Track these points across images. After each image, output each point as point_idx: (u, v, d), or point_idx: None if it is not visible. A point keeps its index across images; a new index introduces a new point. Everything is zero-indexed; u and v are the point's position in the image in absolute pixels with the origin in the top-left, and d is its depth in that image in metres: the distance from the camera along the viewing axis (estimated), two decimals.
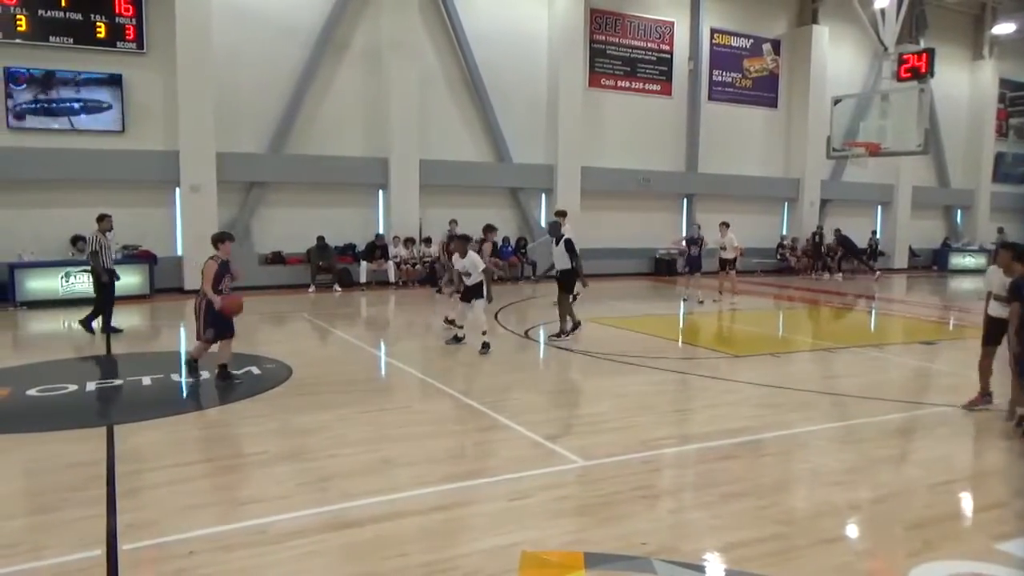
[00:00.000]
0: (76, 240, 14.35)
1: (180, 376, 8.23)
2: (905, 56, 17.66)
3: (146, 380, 7.97)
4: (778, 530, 4.30)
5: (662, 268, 21.51)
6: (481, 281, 9.70)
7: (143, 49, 15.19)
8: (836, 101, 19.35)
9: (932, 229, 27.55)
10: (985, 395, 7.11)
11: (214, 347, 7.83)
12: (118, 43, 14.98)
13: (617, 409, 7.02)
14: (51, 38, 14.44)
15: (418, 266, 17.64)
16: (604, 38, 20.66)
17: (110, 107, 14.99)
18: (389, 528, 4.26)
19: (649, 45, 21.37)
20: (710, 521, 4.44)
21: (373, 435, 6.12)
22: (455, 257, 10.06)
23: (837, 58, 23.90)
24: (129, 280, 12.14)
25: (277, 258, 16.88)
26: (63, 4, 14.43)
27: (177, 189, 15.60)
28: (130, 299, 13.48)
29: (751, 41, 23.17)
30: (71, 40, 14.60)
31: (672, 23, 21.61)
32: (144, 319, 12.83)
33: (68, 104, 14.69)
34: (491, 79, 18.78)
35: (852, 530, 4.47)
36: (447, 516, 4.50)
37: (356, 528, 4.26)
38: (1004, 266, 6.81)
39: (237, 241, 8.30)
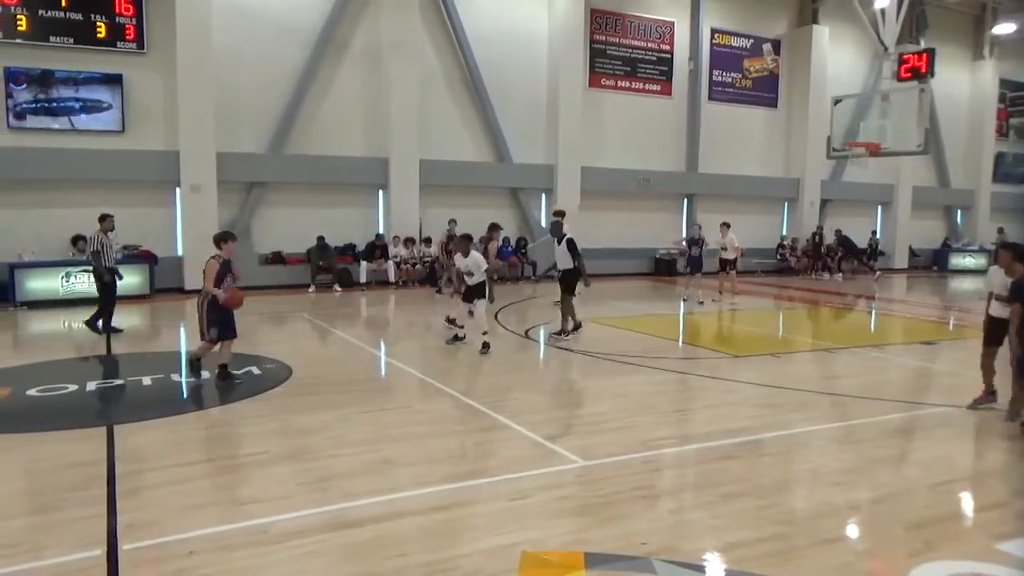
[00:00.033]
0: (76, 240, 14.35)
1: (180, 376, 8.23)
2: (905, 56, 17.67)
3: (146, 380, 7.97)
4: (778, 530, 4.30)
5: (662, 268, 21.51)
6: (483, 281, 9.68)
7: (143, 49, 15.20)
8: (836, 101, 19.35)
9: (932, 229, 27.54)
10: (990, 393, 7.12)
11: (216, 347, 7.83)
12: (118, 43, 14.98)
13: (617, 409, 7.02)
14: (51, 38, 14.45)
15: (418, 266, 17.64)
16: (604, 38, 20.66)
17: (110, 107, 14.99)
18: (389, 528, 4.26)
19: (649, 45, 21.37)
20: (710, 521, 4.44)
21: (373, 435, 6.12)
22: (457, 256, 10.02)
23: (837, 58, 23.90)
24: (129, 280, 12.15)
25: (277, 258, 16.88)
26: (63, 4, 14.43)
27: (177, 189, 15.60)
28: (130, 299, 13.47)
29: (751, 41, 23.17)
30: (71, 40, 14.60)
31: (672, 23, 21.61)
32: (144, 319, 12.83)
33: (68, 104, 14.69)
34: (491, 79, 18.78)
35: (852, 530, 4.47)
36: (447, 516, 4.50)
37: (356, 528, 4.26)
38: (1005, 266, 6.82)
39: (237, 241, 8.27)
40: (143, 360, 9.19)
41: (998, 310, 6.94)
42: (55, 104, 14.58)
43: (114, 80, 14.94)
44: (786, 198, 24.11)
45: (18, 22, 14.13)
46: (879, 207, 26.14)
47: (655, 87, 21.59)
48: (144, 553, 3.93)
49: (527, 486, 4.92)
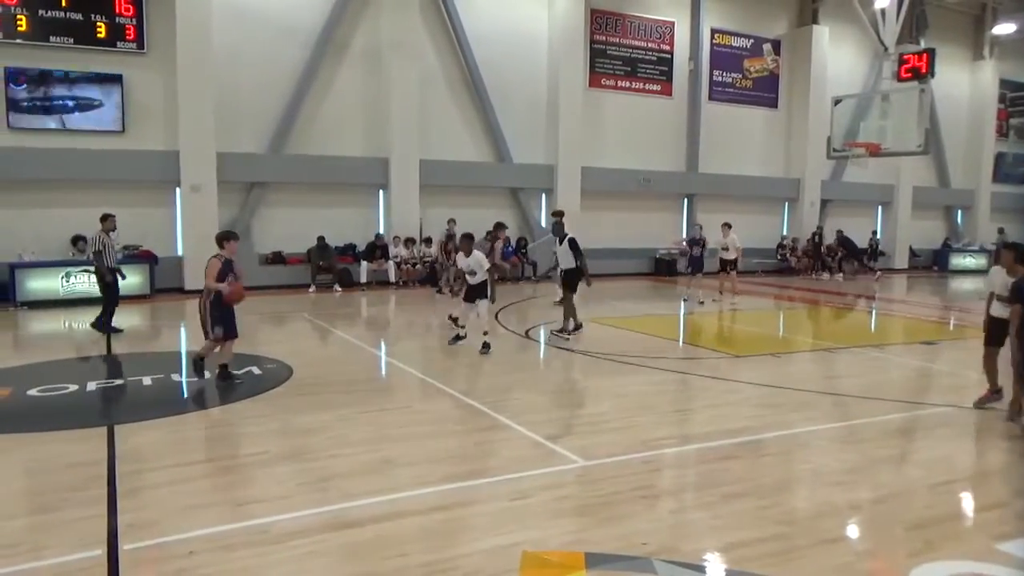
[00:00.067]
0: (77, 240, 14.36)
1: (181, 376, 8.24)
2: (905, 56, 17.67)
3: (147, 380, 7.96)
4: (779, 530, 4.30)
5: (662, 268, 21.51)
6: (485, 280, 9.66)
7: (143, 49, 15.20)
8: (836, 101, 19.35)
9: (932, 229, 27.54)
10: (995, 391, 7.12)
11: (218, 347, 7.83)
12: (118, 43, 14.98)
13: (618, 409, 7.02)
14: (51, 38, 14.44)
15: (418, 266, 17.64)
16: (604, 38, 20.66)
17: (110, 107, 14.98)
18: (390, 528, 4.26)
19: (649, 45, 21.37)
20: (711, 521, 4.44)
21: (374, 435, 6.12)
22: (459, 256, 10.00)
23: (837, 58, 23.89)
24: (130, 280, 12.15)
25: (277, 258, 16.88)
26: (63, 4, 14.43)
27: (177, 189, 15.60)
28: (130, 299, 13.47)
29: (751, 41, 23.17)
30: (71, 40, 14.60)
31: (672, 23, 21.61)
32: (145, 319, 12.83)
33: (68, 104, 14.69)
34: (491, 79, 18.78)
35: (853, 530, 4.47)
36: (448, 516, 4.50)
37: (357, 528, 4.26)
38: (1007, 267, 6.82)
39: (240, 241, 8.27)
40: (143, 360, 9.19)
41: (999, 310, 6.94)
42: (56, 104, 14.57)
43: (114, 80, 14.93)
44: (786, 198, 24.10)
45: (18, 22, 14.13)
46: (879, 207, 26.13)
47: (655, 87, 21.59)
48: (144, 553, 3.93)
49: (527, 486, 4.92)
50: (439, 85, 18.40)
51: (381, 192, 18.04)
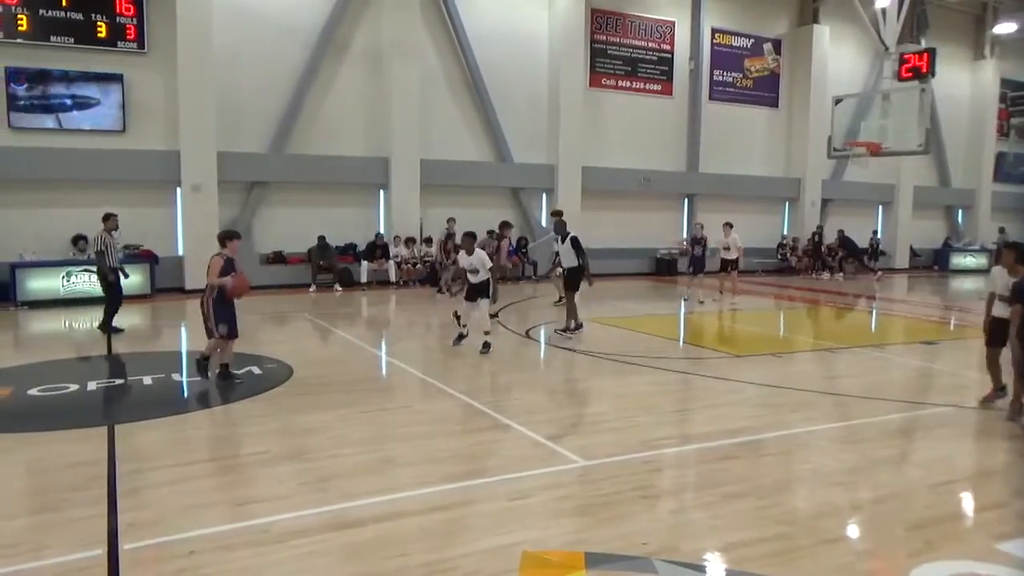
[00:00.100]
0: (77, 240, 14.37)
1: (182, 376, 8.24)
2: (906, 56, 17.68)
3: (147, 380, 7.97)
4: (779, 530, 4.30)
5: (663, 268, 21.51)
6: (487, 279, 9.65)
7: (144, 49, 15.20)
8: (837, 101, 19.34)
9: (933, 229, 27.53)
10: (999, 390, 7.13)
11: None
12: (119, 43, 14.98)
13: (618, 409, 7.03)
14: (52, 38, 14.45)
15: (419, 266, 17.64)
16: (605, 38, 20.66)
17: (111, 107, 14.99)
18: (390, 528, 4.26)
19: (650, 45, 21.36)
20: (711, 521, 4.44)
21: (374, 435, 6.12)
22: (461, 254, 9.97)
23: (838, 58, 23.88)
24: (130, 280, 12.16)
25: (278, 258, 16.89)
26: (64, 4, 14.44)
27: (178, 189, 15.60)
28: (131, 299, 13.44)
29: (752, 41, 23.16)
30: (72, 40, 14.60)
31: (673, 23, 21.61)
32: (145, 319, 12.83)
33: (69, 104, 14.69)
34: (492, 79, 18.78)
35: (853, 530, 4.47)
36: (448, 516, 4.50)
37: (357, 528, 4.26)
38: (1007, 267, 6.82)
39: (242, 240, 8.28)
40: (144, 360, 9.19)
41: (1001, 310, 6.94)
42: (56, 104, 14.58)
43: (115, 80, 14.94)
44: (787, 198, 24.09)
45: (19, 22, 14.13)
46: (880, 207, 26.12)
47: (656, 87, 21.58)
48: (145, 553, 3.94)
49: (528, 486, 4.92)
50: (440, 85, 18.40)
51: (382, 192, 18.04)
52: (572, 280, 10.87)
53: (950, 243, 27.41)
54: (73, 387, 7.55)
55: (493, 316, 10.91)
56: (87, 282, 13.43)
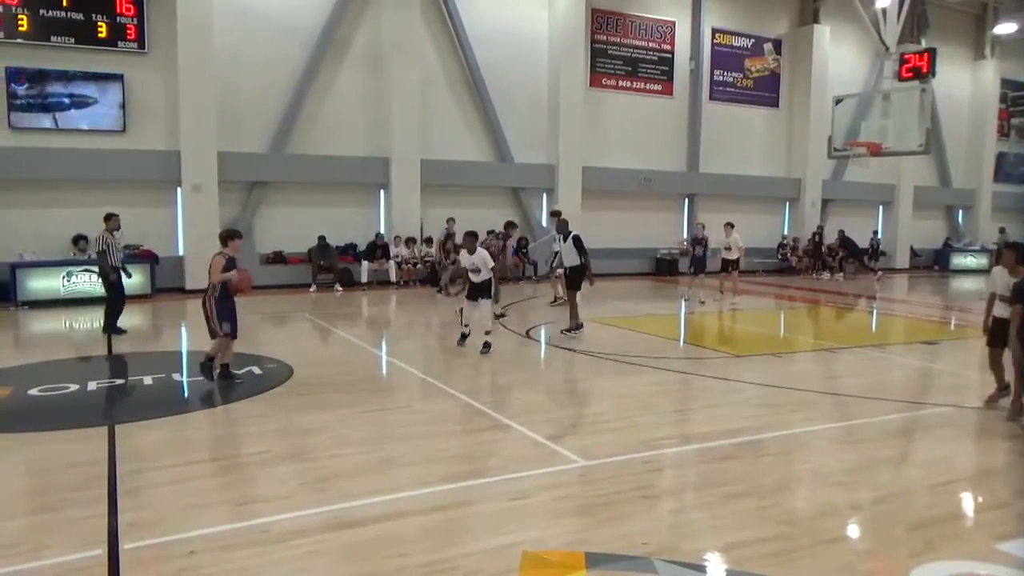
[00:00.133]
0: (78, 240, 14.37)
1: (182, 376, 8.25)
2: (906, 56, 17.69)
3: (147, 380, 7.97)
4: (779, 530, 4.30)
5: (663, 268, 21.51)
6: (489, 279, 9.64)
7: (144, 49, 15.20)
8: (837, 101, 19.35)
9: (934, 229, 27.53)
10: (1003, 389, 7.13)
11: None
12: (119, 43, 14.99)
13: (618, 409, 7.02)
14: (52, 38, 14.45)
15: (419, 266, 17.64)
16: (605, 38, 20.66)
17: (111, 107, 14.99)
18: (390, 528, 4.26)
19: (650, 45, 21.36)
20: (711, 521, 4.43)
21: (374, 435, 6.12)
22: (463, 253, 9.95)
23: (838, 58, 23.88)
24: (130, 280, 12.16)
25: (278, 258, 16.89)
26: (64, 4, 14.44)
27: (178, 189, 15.60)
28: (131, 299, 13.43)
29: (752, 41, 23.16)
30: (72, 40, 14.61)
31: (673, 23, 21.61)
32: (146, 319, 12.83)
33: (69, 104, 14.70)
34: (492, 79, 18.79)
35: (853, 530, 4.47)
36: (448, 516, 4.50)
37: (357, 528, 4.26)
38: (1008, 267, 6.83)
39: (243, 239, 8.28)
40: (144, 360, 9.19)
41: (1001, 311, 6.94)
42: (56, 104, 14.58)
43: (115, 80, 14.94)
44: (787, 198, 24.09)
45: (19, 22, 14.14)
46: (880, 207, 26.12)
47: (656, 87, 21.58)
48: (145, 553, 3.94)
49: (528, 486, 4.92)
50: (440, 85, 18.40)
51: (382, 192, 18.05)
52: (574, 279, 10.89)
53: (950, 243, 27.41)
54: (73, 387, 7.56)
55: (501, 315, 10.91)
56: (87, 282, 13.44)
